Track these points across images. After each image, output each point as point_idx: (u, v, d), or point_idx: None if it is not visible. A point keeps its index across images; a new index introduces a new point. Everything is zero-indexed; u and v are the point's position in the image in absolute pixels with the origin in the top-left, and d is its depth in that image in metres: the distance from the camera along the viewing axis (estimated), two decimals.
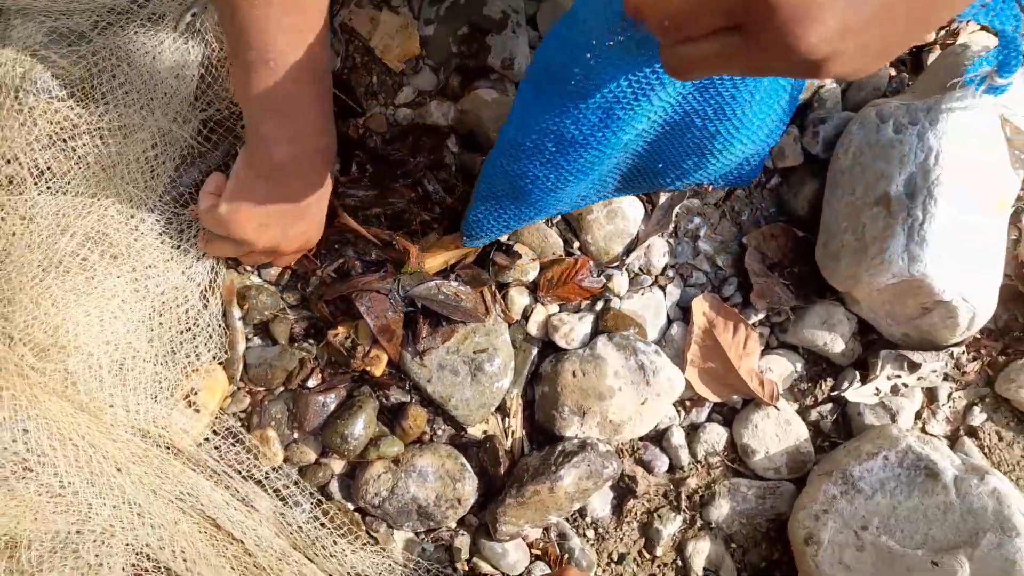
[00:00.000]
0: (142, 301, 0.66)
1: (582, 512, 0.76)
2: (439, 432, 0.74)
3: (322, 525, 0.66)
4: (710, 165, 0.65)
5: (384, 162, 0.74)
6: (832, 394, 0.77)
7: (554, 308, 0.77)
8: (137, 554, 0.62)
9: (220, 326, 0.70)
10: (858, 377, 0.75)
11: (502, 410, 0.75)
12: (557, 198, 0.64)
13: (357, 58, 0.79)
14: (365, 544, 0.68)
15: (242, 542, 0.64)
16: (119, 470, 0.62)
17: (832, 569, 0.68)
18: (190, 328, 0.69)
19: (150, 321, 0.67)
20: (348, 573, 0.65)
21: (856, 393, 0.74)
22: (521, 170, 0.61)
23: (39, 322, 0.63)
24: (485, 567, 0.73)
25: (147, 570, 0.62)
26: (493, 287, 0.74)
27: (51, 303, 0.63)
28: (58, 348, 0.63)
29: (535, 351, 0.76)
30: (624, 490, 0.76)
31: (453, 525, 0.73)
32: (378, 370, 0.71)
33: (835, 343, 0.76)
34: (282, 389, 0.73)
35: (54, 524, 0.61)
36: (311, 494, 0.68)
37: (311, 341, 0.73)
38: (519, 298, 0.75)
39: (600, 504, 0.76)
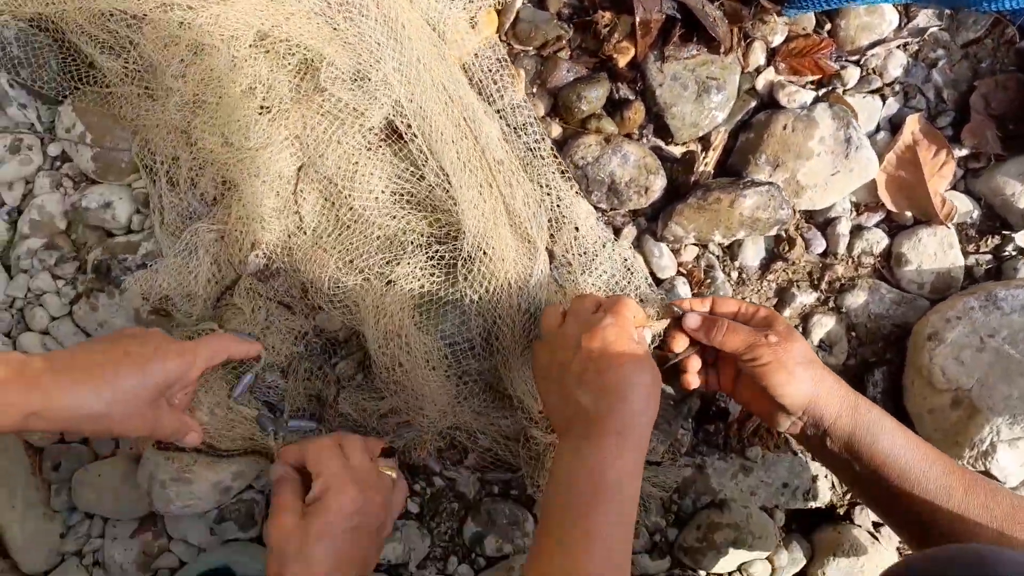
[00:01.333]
0: None
1: (732, 255, 0.85)
2: (647, 137, 0.84)
3: (536, 146, 0.78)
4: None
5: None
6: (1003, 233, 0.82)
7: (783, 77, 0.84)
8: (396, 108, 0.75)
9: None
10: None
11: (704, 142, 0.84)
12: None
13: None
14: (565, 178, 0.79)
15: (477, 138, 0.77)
16: (410, 38, 0.75)
17: (945, 362, 0.75)
18: None
19: None
20: (547, 190, 0.77)
21: None
22: None
23: None
24: (639, 261, 0.83)
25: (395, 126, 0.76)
26: (743, 30, 0.81)
27: None
28: None
29: (753, 104, 0.84)
30: (776, 255, 0.85)
31: (628, 211, 0.83)
32: (623, 61, 0.81)
33: (1022, 198, 0.81)
34: (535, 53, 0.84)
35: (354, 59, 0.74)
36: (536, 130, 0.79)
37: (571, 25, 0.83)
38: (759, 53, 0.83)
39: (752, 255, 0.85)
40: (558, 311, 0.68)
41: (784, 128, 0.80)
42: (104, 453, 0.82)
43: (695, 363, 0.71)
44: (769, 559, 0.80)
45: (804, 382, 0.64)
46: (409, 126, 0.75)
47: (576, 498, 0.55)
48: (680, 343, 0.70)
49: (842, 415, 0.63)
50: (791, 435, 0.69)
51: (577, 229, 0.79)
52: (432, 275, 0.76)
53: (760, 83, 0.84)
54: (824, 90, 0.84)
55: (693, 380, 0.72)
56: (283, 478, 0.66)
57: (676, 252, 0.84)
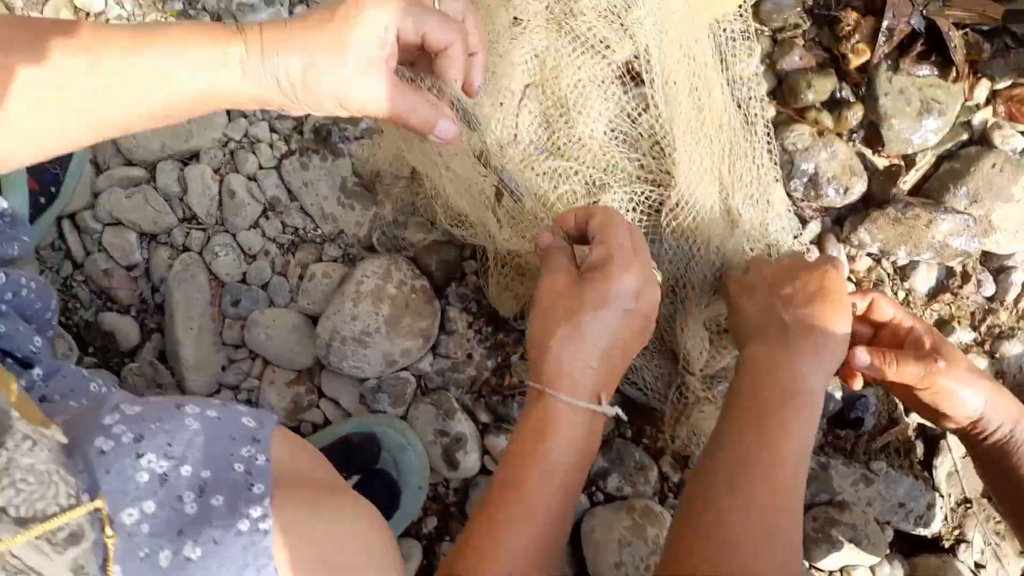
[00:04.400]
0: None
1: (904, 276, 0.87)
2: (855, 141, 0.86)
3: (753, 121, 0.81)
4: None
5: None
6: None
7: (1000, 119, 0.85)
8: (643, 51, 0.79)
9: None
10: None
11: (908, 160, 0.86)
12: None
13: None
14: (772, 159, 0.82)
15: (703, 100, 0.80)
16: None
17: None
18: None
19: None
20: (753, 165, 0.80)
21: None
22: None
23: None
24: (814, 252, 0.86)
25: None
26: (975, 64, 0.83)
27: None
28: None
29: (964, 137, 0.86)
30: (945, 286, 0.87)
31: (820, 206, 0.85)
32: (855, 62, 0.83)
33: None
34: (770, 33, 0.86)
35: None
36: (758, 106, 0.82)
37: (810, 16, 0.86)
38: (983, 89, 0.85)
39: (923, 280, 0.87)
40: (767, 258, 0.71)
41: (992, 167, 0.82)
42: (279, 303, 0.87)
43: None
44: (872, 568, 0.83)
45: (974, 403, 0.66)
46: (648, 71, 0.79)
47: (770, 396, 0.58)
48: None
49: (1005, 426, 0.66)
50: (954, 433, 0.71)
51: (768, 208, 0.82)
52: (632, 211, 0.79)
53: (976, 119, 0.86)
54: None
55: (857, 384, 0.73)
56: (553, 247, 0.59)
57: (852, 259, 0.86)
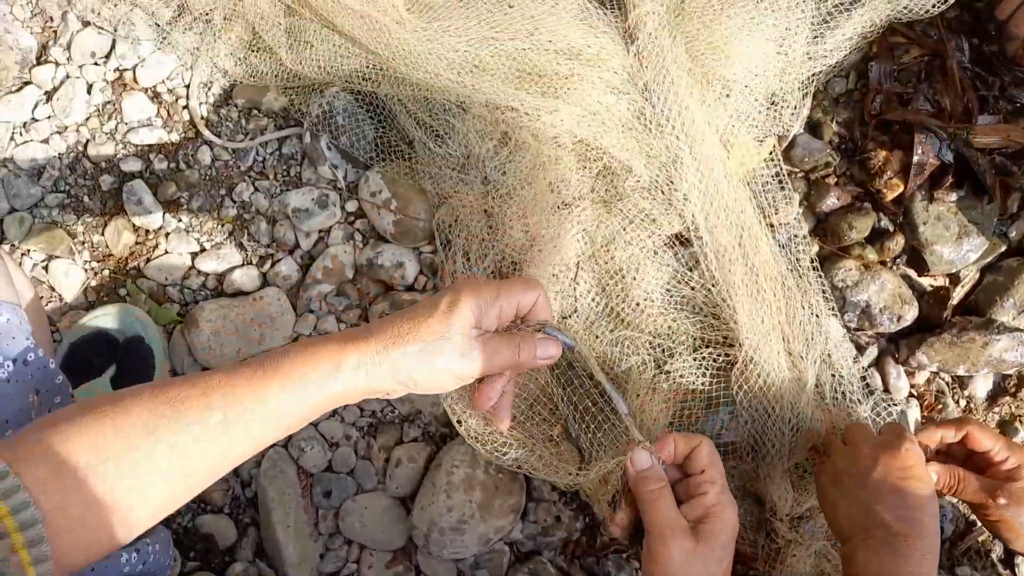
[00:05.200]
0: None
1: (962, 384, 0.90)
2: (898, 265, 0.89)
3: (799, 263, 0.85)
4: None
5: None
6: None
7: None
8: (691, 222, 0.82)
9: (794, 107, 0.88)
10: None
11: (953, 278, 0.89)
12: None
13: None
14: (825, 297, 0.85)
15: (753, 256, 0.83)
16: (707, 156, 0.82)
17: None
18: (775, 100, 0.87)
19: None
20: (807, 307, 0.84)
21: None
22: None
23: None
24: (877, 378, 0.89)
25: None
26: (1006, 182, 0.87)
27: None
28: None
29: (1003, 248, 0.89)
30: (1003, 389, 0.90)
31: (875, 333, 0.89)
32: (890, 196, 0.87)
33: None
34: (803, 175, 0.90)
35: (655, 171, 0.82)
36: (804, 250, 0.86)
37: (839, 153, 0.90)
38: (1014, 202, 0.88)
39: (982, 387, 0.90)
40: (837, 434, 0.74)
41: None
42: (368, 487, 0.90)
43: None
44: None
45: None
46: (700, 244, 0.82)
47: None
48: None
49: None
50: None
51: (829, 355, 0.85)
52: (703, 375, 0.82)
53: (1012, 231, 0.89)
54: None
55: None
56: (655, 479, 0.59)
57: (910, 375, 0.90)
